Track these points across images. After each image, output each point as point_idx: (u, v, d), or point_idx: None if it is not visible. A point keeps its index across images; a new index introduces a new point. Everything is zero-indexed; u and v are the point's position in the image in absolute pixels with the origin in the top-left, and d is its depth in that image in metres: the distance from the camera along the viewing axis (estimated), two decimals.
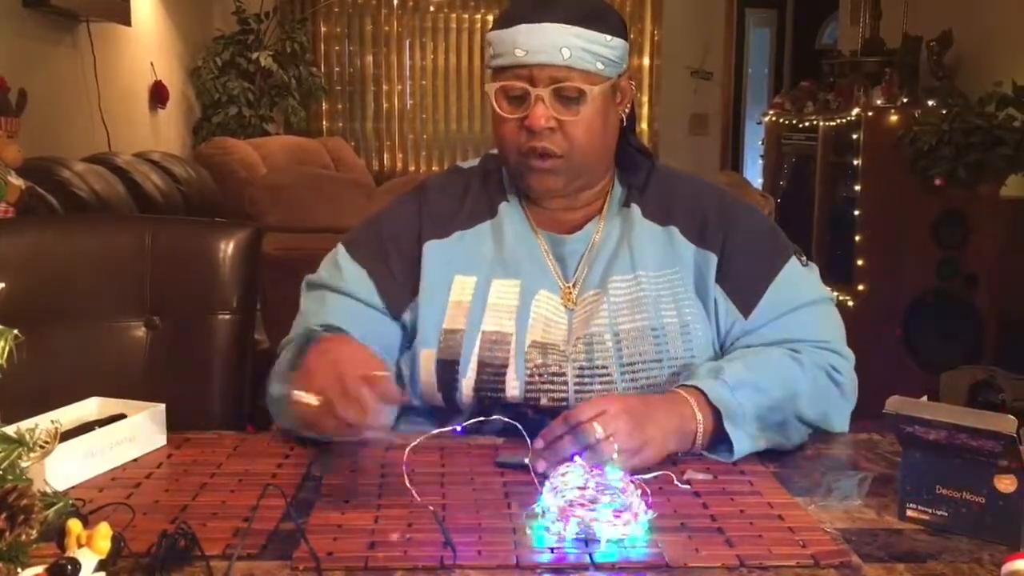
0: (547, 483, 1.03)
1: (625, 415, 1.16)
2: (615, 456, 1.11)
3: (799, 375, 1.31)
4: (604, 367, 1.32)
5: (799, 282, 1.40)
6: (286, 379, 1.20)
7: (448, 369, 1.33)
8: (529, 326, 1.35)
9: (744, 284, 1.37)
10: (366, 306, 1.39)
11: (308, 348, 1.21)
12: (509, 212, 1.42)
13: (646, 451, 1.17)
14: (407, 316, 1.39)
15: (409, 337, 1.39)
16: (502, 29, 1.33)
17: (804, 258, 1.44)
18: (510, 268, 1.38)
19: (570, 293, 1.38)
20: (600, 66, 1.32)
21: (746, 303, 1.37)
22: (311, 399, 1.09)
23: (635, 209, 1.41)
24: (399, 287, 1.40)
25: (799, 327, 1.36)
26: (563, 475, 1.03)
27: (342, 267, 1.41)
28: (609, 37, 1.32)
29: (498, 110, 1.35)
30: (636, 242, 1.39)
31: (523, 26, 1.30)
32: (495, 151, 1.47)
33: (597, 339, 1.33)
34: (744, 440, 1.23)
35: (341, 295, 1.40)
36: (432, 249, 1.39)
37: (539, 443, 1.16)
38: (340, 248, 1.44)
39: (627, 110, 1.41)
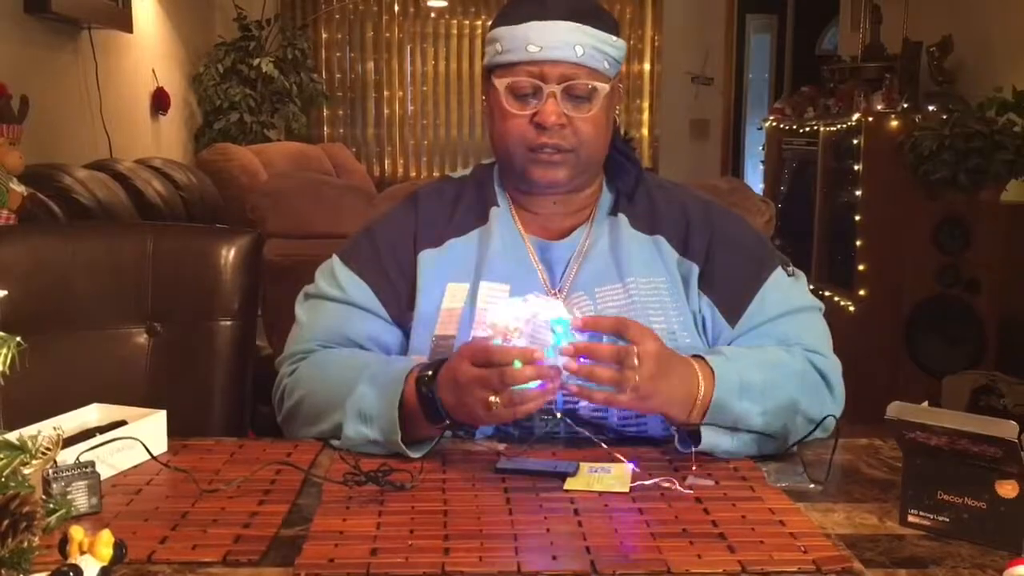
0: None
1: (656, 360, 1.17)
2: (628, 390, 1.15)
3: (789, 360, 1.32)
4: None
5: (785, 291, 1.40)
6: (382, 418, 1.23)
7: None
8: None
9: (729, 294, 1.37)
10: (368, 313, 1.40)
11: (412, 380, 1.24)
12: (499, 217, 1.43)
13: (651, 401, 1.19)
14: (407, 323, 1.39)
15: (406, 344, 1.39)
16: (512, 25, 1.34)
17: (791, 268, 1.44)
18: (498, 271, 1.38)
19: (557, 298, 1.38)
20: (606, 65, 1.35)
21: (732, 313, 1.37)
22: (495, 400, 1.15)
23: (622, 218, 1.42)
24: (397, 295, 1.40)
25: (784, 334, 1.36)
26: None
27: (339, 278, 1.42)
28: (615, 38, 1.35)
29: (505, 106, 1.36)
30: (624, 251, 1.39)
31: (535, 23, 1.32)
32: (487, 161, 1.48)
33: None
34: (717, 434, 1.24)
35: (341, 304, 1.40)
36: (426, 259, 1.40)
37: (569, 351, 1.16)
38: (335, 259, 1.44)
39: (618, 112, 1.43)
